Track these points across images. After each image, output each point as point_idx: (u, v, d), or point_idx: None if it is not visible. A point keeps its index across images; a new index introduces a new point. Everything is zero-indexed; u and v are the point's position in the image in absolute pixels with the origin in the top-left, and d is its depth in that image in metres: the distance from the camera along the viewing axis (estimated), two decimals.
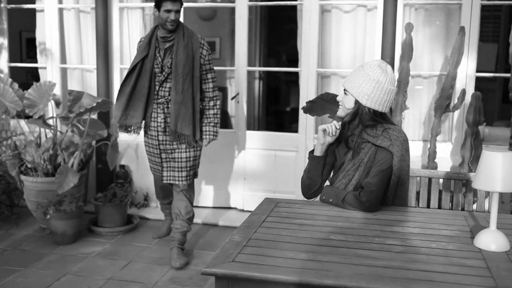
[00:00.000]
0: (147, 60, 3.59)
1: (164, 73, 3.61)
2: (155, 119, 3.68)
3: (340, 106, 2.40)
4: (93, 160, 4.91)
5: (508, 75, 3.88)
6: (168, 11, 3.46)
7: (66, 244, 4.05)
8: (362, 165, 2.33)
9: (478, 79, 4.26)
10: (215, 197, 4.84)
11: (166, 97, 3.64)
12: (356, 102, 2.33)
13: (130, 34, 4.97)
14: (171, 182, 3.71)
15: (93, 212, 4.47)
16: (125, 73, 4.90)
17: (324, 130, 2.38)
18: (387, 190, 2.36)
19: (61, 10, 5.02)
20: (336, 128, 2.38)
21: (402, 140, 2.30)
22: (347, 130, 2.40)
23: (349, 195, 2.32)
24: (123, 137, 4.93)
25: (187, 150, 3.68)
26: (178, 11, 3.51)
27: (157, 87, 3.64)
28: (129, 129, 3.75)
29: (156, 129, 3.69)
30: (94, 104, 4.20)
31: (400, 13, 4.24)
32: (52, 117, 4.58)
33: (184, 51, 3.54)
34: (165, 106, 3.64)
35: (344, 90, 2.37)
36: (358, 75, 2.33)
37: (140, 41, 3.73)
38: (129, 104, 3.65)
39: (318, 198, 2.54)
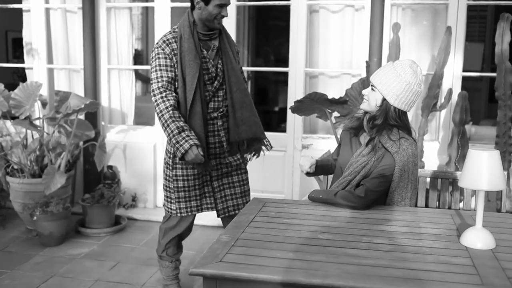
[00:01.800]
0: (200, 67, 2.82)
1: (218, 78, 2.91)
2: (205, 141, 2.89)
3: (365, 100, 2.39)
4: (80, 161, 4.89)
5: (494, 74, 3.92)
6: (221, 5, 2.79)
7: (53, 245, 4.02)
8: (370, 163, 2.33)
9: (464, 79, 4.30)
10: None
11: (221, 109, 2.95)
12: (384, 100, 2.33)
13: (117, 34, 4.94)
14: (231, 214, 3.07)
15: (81, 213, 4.44)
16: (113, 73, 4.95)
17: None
18: (386, 196, 2.38)
19: (47, 10, 4.98)
20: (305, 170, 2.61)
21: (410, 153, 2.31)
22: (368, 126, 2.38)
23: (342, 191, 2.34)
24: (110, 138, 4.91)
25: (242, 171, 3.09)
26: (228, 6, 2.87)
27: (207, 99, 2.89)
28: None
29: (208, 152, 2.92)
30: (82, 106, 4.18)
31: (387, 13, 4.26)
32: (38, 118, 4.55)
33: (232, 48, 2.97)
34: (225, 120, 2.96)
35: (372, 85, 2.36)
36: (388, 73, 2.32)
37: (165, 42, 2.84)
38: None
39: (306, 197, 2.54)
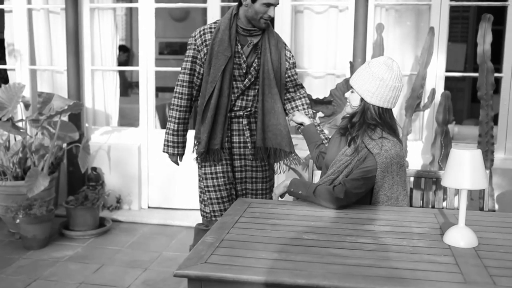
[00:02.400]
0: (229, 61, 2.79)
1: (250, 76, 2.85)
2: (229, 139, 2.90)
3: (347, 103, 2.41)
4: (64, 163, 4.84)
5: (476, 74, 3.96)
6: (269, 5, 2.71)
7: (37, 248, 3.98)
8: (352, 163, 2.33)
9: (447, 79, 4.34)
10: (188, 198, 4.81)
11: (248, 109, 2.90)
12: (362, 100, 2.33)
13: (101, 35, 4.91)
14: None
15: (65, 216, 4.40)
16: (96, 74, 4.91)
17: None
18: (371, 196, 2.39)
19: (30, 11, 4.93)
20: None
21: (394, 154, 2.29)
22: (351, 126, 2.39)
23: (321, 188, 2.32)
24: (94, 139, 4.88)
25: (267, 179, 3.01)
26: (276, 6, 2.79)
27: (234, 95, 2.86)
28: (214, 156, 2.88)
29: (231, 152, 2.92)
30: (66, 107, 4.14)
31: (371, 13, 4.28)
32: (21, 120, 4.50)
33: (276, 51, 2.85)
34: (251, 120, 2.91)
35: (351, 87, 2.38)
36: (363, 72, 2.32)
37: (200, 32, 2.85)
38: (214, 123, 2.83)
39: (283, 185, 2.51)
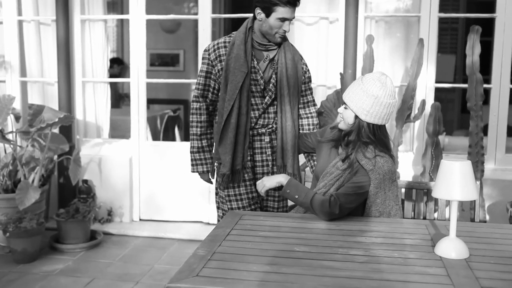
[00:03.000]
0: (246, 77, 2.68)
1: (270, 93, 2.75)
2: (251, 158, 2.82)
3: (341, 119, 2.39)
4: (55, 175, 4.81)
5: (466, 85, 3.99)
6: (283, 19, 2.63)
7: (27, 262, 3.94)
8: (344, 176, 2.34)
9: (437, 90, 4.37)
10: (180, 210, 4.80)
11: (270, 126, 2.81)
12: (356, 117, 2.32)
13: (92, 46, 4.91)
14: None
15: (55, 229, 4.37)
16: (87, 86, 4.90)
17: None
18: (363, 209, 2.40)
19: (20, 22, 4.93)
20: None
21: (386, 170, 2.31)
22: (346, 144, 2.38)
23: (318, 198, 2.30)
24: (85, 151, 4.85)
25: (280, 197, 2.88)
26: (291, 20, 2.69)
27: (256, 113, 2.78)
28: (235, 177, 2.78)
29: (254, 171, 2.84)
30: (56, 120, 4.13)
31: (361, 25, 4.32)
32: (11, 132, 4.47)
33: (293, 65, 2.77)
34: (272, 138, 2.83)
35: (344, 103, 2.36)
36: (357, 89, 2.30)
37: (214, 46, 2.77)
38: (236, 142, 2.74)
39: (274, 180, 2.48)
